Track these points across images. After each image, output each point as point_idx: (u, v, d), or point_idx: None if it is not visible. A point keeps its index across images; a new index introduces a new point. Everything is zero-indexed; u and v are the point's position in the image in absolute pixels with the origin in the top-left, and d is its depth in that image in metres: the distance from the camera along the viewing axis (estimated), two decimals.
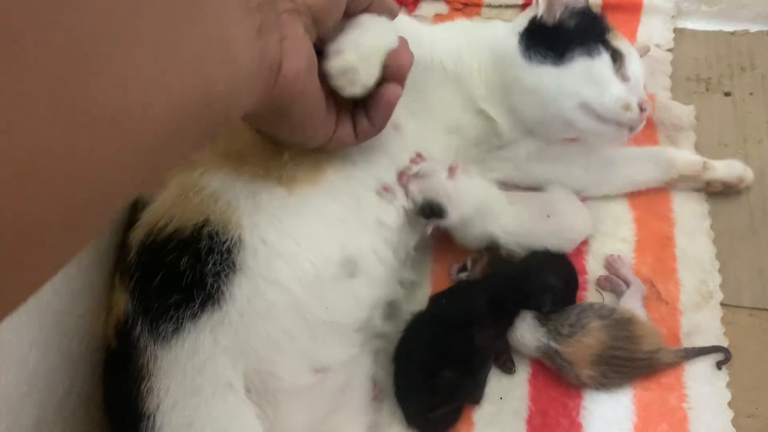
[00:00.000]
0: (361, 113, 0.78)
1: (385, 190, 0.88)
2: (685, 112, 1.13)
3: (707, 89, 1.19)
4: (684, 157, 1.05)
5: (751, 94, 1.17)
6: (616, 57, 0.93)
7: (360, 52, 0.70)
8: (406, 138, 0.93)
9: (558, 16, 0.96)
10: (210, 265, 0.75)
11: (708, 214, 1.06)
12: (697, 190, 1.05)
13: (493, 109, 0.99)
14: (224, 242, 0.76)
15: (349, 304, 0.83)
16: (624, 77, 0.93)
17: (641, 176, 1.05)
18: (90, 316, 0.80)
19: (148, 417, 0.72)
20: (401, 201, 0.90)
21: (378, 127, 0.79)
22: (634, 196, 1.08)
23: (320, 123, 0.73)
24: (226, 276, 0.75)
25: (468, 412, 0.92)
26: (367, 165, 0.88)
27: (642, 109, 0.92)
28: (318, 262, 0.80)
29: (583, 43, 0.92)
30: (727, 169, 1.04)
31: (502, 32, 0.99)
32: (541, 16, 0.96)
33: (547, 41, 0.93)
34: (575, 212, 1.00)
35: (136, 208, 0.83)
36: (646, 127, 1.11)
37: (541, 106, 0.95)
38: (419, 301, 0.98)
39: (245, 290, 0.76)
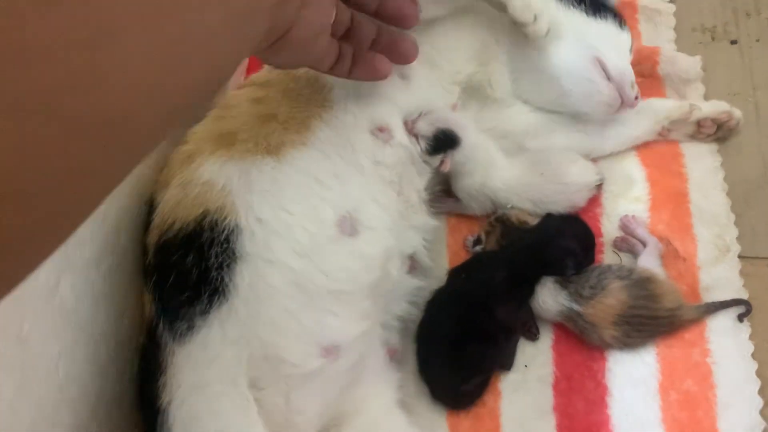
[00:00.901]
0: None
1: (380, 131, 0.88)
2: (691, 64, 1.12)
3: (713, 39, 1.17)
4: (670, 102, 1.06)
5: (757, 40, 1.15)
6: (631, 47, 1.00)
7: None
8: (412, 86, 0.93)
9: None
10: (212, 258, 0.76)
11: (720, 167, 1.05)
12: (692, 136, 1.05)
13: (504, 57, 1.01)
14: (222, 231, 0.76)
15: (355, 265, 0.82)
16: None
17: (635, 130, 1.05)
18: (114, 320, 0.80)
19: (164, 411, 0.74)
20: (399, 139, 0.89)
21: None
22: (645, 154, 1.07)
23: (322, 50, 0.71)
24: (228, 267, 0.76)
25: (494, 381, 0.93)
26: (361, 110, 0.88)
27: (636, 98, 0.97)
28: (312, 227, 0.79)
29: (615, 14, 1.00)
30: (712, 106, 1.05)
31: None
32: None
33: None
34: (573, 162, 1.00)
35: (150, 211, 0.83)
36: (652, 81, 1.12)
37: (557, 51, 0.97)
38: (440, 263, 1.00)
39: (246, 277, 0.76)
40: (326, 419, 0.82)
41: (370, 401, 0.85)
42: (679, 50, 1.16)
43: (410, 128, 0.91)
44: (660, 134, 1.05)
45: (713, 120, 1.04)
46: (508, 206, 0.98)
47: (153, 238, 0.80)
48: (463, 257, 1.00)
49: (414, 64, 0.86)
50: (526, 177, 0.98)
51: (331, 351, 0.80)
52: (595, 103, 0.98)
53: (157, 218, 0.81)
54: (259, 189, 0.79)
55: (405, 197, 0.90)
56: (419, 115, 0.92)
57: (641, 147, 1.07)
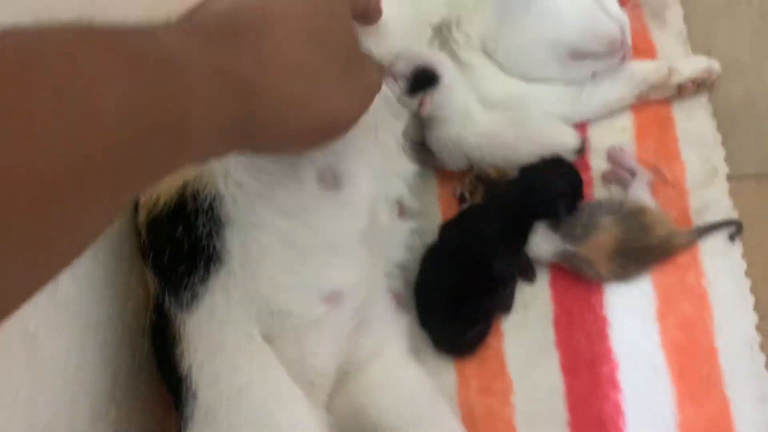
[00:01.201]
0: None
1: None
2: None
3: None
4: (648, 65, 1.03)
5: None
6: None
7: None
8: (387, 31, 0.89)
9: None
10: (200, 228, 0.76)
11: (707, 101, 1.05)
12: (672, 97, 1.03)
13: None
14: (205, 199, 0.77)
15: (341, 217, 0.82)
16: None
17: (614, 94, 1.03)
18: (118, 305, 0.81)
19: (186, 378, 0.76)
20: None
21: None
22: None
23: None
24: (217, 233, 0.76)
25: (496, 323, 0.95)
26: None
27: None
28: (292, 185, 0.79)
29: None
30: (692, 66, 1.02)
31: None
32: None
33: None
34: (552, 125, 0.99)
35: None
36: (630, 9, 1.10)
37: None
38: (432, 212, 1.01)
39: (237, 241, 0.77)
40: (342, 364, 0.84)
41: (383, 348, 0.87)
42: None
43: (387, 69, 0.89)
44: (639, 98, 1.03)
45: (693, 81, 1.01)
46: (483, 164, 0.97)
47: (142, 216, 0.80)
48: (454, 206, 1.01)
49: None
50: (502, 135, 0.96)
51: (332, 298, 0.81)
52: (600, 38, 0.97)
53: (143, 197, 0.81)
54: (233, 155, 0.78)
55: (383, 144, 0.89)
56: (396, 57, 0.90)
57: None
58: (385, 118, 0.90)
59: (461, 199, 0.99)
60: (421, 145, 1.00)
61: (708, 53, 1.06)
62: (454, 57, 1.01)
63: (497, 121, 0.98)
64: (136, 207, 0.83)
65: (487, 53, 1.03)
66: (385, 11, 0.88)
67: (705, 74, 1.01)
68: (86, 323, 0.75)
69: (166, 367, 0.79)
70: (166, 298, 0.77)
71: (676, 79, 1.01)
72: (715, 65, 1.02)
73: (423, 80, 0.91)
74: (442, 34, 1.02)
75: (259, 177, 0.78)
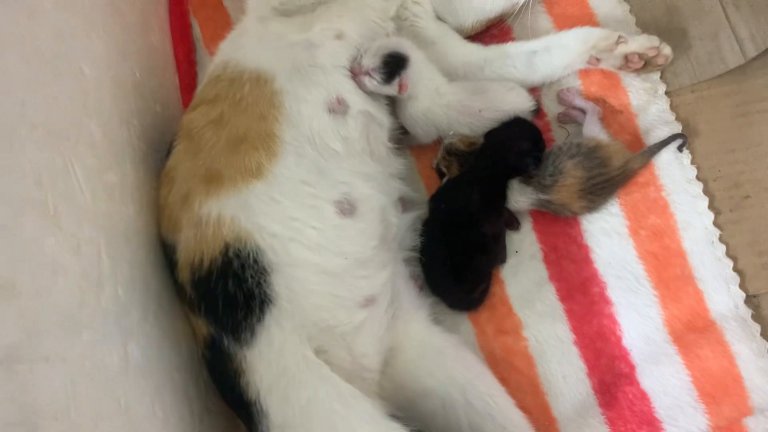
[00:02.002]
0: None
1: (338, 103, 0.96)
2: None
3: None
4: (597, 32, 1.09)
5: None
6: None
7: None
8: (348, 39, 1.01)
9: None
10: (249, 278, 0.88)
11: (630, 13, 1.14)
12: (620, 68, 1.09)
13: None
14: (248, 254, 0.88)
15: (363, 236, 0.95)
16: None
17: (564, 58, 1.10)
18: (176, 353, 0.95)
19: (255, 402, 0.89)
20: (355, 106, 0.97)
21: None
22: (559, 25, 1.15)
23: None
24: (265, 281, 0.88)
25: (496, 273, 1.09)
26: (311, 92, 0.95)
27: None
28: (317, 224, 0.91)
29: None
30: (641, 41, 1.07)
31: None
32: None
33: None
34: (510, 90, 1.08)
35: (170, 251, 0.94)
36: None
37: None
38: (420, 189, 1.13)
39: (282, 282, 0.89)
40: (384, 353, 0.98)
41: (412, 327, 1.01)
42: None
43: (358, 70, 0.98)
44: (589, 62, 1.09)
45: (640, 55, 1.06)
46: (450, 132, 1.08)
47: (186, 275, 0.91)
48: (434, 177, 1.12)
49: (344, 17, 0.95)
50: (466, 104, 1.06)
51: (368, 302, 0.95)
52: None
53: (182, 258, 0.91)
54: (261, 211, 0.89)
55: (378, 156, 1.00)
56: (359, 56, 0.99)
57: (557, 19, 1.15)
58: (373, 132, 1.01)
59: (439, 173, 1.10)
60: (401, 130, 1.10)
61: None
62: (415, 37, 1.10)
63: (460, 91, 1.08)
64: (171, 264, 0.94)
65: (441, 16, 1.13)
66: (346, 25, 0.98)
67: (652, 51, 1.06)
68: (156, 378, 0.88)
69: (230, 395, 0.92)
70: (224, 339, 0.89)
71: (623, 49, 1.07)
72: (666, 48, 1.07)
73: (395, 65, 1.00)
74: (399, 20, 1.11)
75: (288, 224, 0.90)
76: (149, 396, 0.86)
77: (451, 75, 1.09)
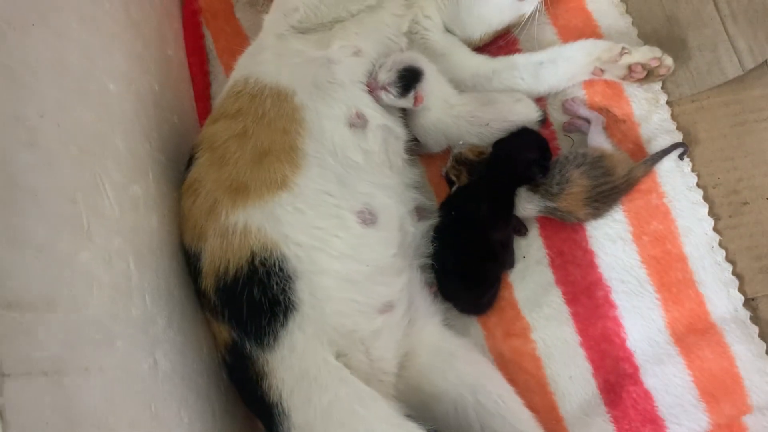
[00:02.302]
0: None
1: (357, 118, 1.00)
2: None
3: None
4: (602, 44, 1.13)
5: None
6: None
7: None
8: (366, 55, 1.05)
9: None
10: (275, 285, 0.91)
11: (632, 26, 1.18)
12: (624, 78, 1.12)
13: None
14: (274, 263, 0.92)
15: (381, 246, 0.99)
16: None
17: (569, 70, 1.14)
18: (199, 359, 0.98)
19: (277, 404, 0.93)
20: (374, 120, 1.02)
21: None
22: (563, 36, 1.19)
23: None
24: (289, 288, 0.92)
25: (504, 277, 1.12)
26: (332, 108, 0.99)
27: None
28: (341, 233, 0.95)
29: None
30: (643, 52, 1.11)
31: None
32: None
33: None
34: (517, 101, 1.12)
35: (193, 260, 0.98)
36: None
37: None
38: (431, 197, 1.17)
39: (306, 289, 0.92)
40: (401, 357, 1.01)
41: (426, 332, 1.05)
42: None
43: (375, 85, 1.02)
44: (593, 73, 1.13)
45: (643, 65, 1.10)
46: (460, 142, 1.11)
47: (210, 282, 0.95)
48: (443, 185, 1.16)
49: (361, 34, 1.01)
50: (475, 115, 1.10)
51: (386, 308, 0.99)
52: None
53: (207, 266, 0.95)
54: (286, 221, 0.93)
55: (396, 167, 1.04)
56: (375, 72, 1.02)
57: (561, 31, 1.19)
58: (391, 145, 1.05)
59: (449, 182, 1.14)
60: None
61: None
62: (426, 50, 1.14)
63: (469, 102, 1.12)
64: (195, 273, 0.98)
65: (450, 29, 1.17)
66: (363, 42, 1.02)
67: (655, 62, 1.10)
68: (185, 383, 0.92)
69: (251, 397, 0.96)
70: (246, 344, 0.92)
71: (626, 60, 1.10)
72: (668, 59, 1.10)
73: (410, 78, 1.03)
74: (410, 34, 1.15)
75: (312, 233, 0.94)
76: (176, 401, 0.89)
77: (461, 86, 1.13)
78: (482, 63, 1.16)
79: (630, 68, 1.11)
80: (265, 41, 1.06)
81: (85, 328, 0.73)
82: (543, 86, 1.16)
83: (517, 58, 1.16)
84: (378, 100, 1.02)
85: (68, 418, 0.67)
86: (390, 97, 1.03)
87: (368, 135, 1.00)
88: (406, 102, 1.05)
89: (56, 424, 0.65)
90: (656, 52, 1.11)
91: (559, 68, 1.14)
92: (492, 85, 1.15)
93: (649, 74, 1.11)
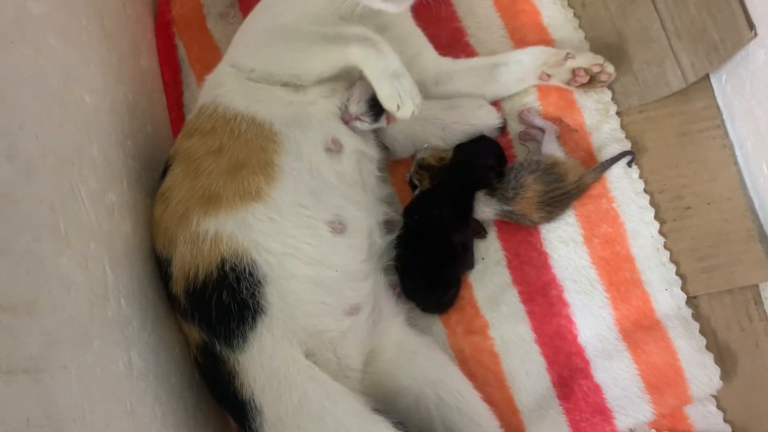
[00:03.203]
0: None
1: (333, 144, 1.05)
2: None
3: None
4: (548, 50, 1.20)
5: None
6: None
7: None
8: (340, 93, 1.09)
9: None
10: (244, 290, 0.96)
11: (585, 40, 1.25)
12: (568, 82, 1.20)
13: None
14: (244, 269, 0.96)
15: (352, 252, 1.05)
16: None
17: (519, 74, 1.21)
18: (171, 358, 1.03)
19: (249, 401, 0.98)
20: (349, 146, 1.07)
21: None
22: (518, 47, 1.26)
23: None
24: (258, 292, 0.97)
25: (464, 278, 1.19)
26: (308, 137, 1.04)
27: None
28: (312, 240, 1.00)
29: None
30: (587, 58, 1.18)
31: None
32: None
33: None
34: (479, 107, 1.19)
35: (164, 265, 1.02)
36: None
37: None
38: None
39: (275, 293, 0.98)
40: (366, 355, 1.08)
41: (390, 331, 1.11)
42: None
43: (349, 118, 1.07)
44: (541, 78, 1.20)
45: (586, 70, 1.17)
46: (424, 146, 1.18)
47: (180, 287, 0.99)
48: (407, 190, 1.22)
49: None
50: (439, 117, 1.16)
51: (353, 310, 1.04)
52: None
53: (177, 271, 0.99)
54: (258, 229, 0.98)
55: (368, 185, 1.11)
56: (345, 105, 1.07)
57: (518, 44, 1.26)
58: (364, 167, 1.11)
59: (412, 186, 1.20)
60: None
61: (582, 5, 1.26)
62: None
63: (434, 106, 1.18)
64: (165, 279, 1.02)
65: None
66: (335, 84, 1.09)
67: (596, 68, 1.17)
68: (157, 380, 0.96)
69: (224, 395, 1.01)
70: (216, 345, 0.97)
71: (571, 64, 1.18)
72: (610, 66, 1.18)
73: (379, 106, 1.06)
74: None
75: (284, 240, 0.99)
76: (150, 398, 0.94)
77: (425, 82, 1.20)
78: (444, 63, 1.22)
79: (574, 72, 1.18)
80: (227, 75, 1.08)
81: (64, 329, 0.78)
82: (497, 86, 1.23)
83: (475, 61, 1.24)
84: (354, 129, 1.08)
85: (48, 413, 0.71)
86: (364, 125, 1.08)
87: (343, 159, 1.06)
88: (379, 124, 1.11)
89: (37, 419, 0.69)
90: (598, 59, 1.18)
91: (511, 70, 1.22)
92: (453, 83, 1.22)
93: (592, 80, 1.19)
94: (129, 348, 0.91)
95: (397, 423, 0.98)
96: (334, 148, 1.05)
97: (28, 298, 0.73)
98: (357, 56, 1.02)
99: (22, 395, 0.68)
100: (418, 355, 1.11)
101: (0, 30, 0.79)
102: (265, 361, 0.97)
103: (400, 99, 1.01)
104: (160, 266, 1.04)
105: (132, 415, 0.88)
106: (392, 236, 1.15)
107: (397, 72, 1.01)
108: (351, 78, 1.08)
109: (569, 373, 1.14)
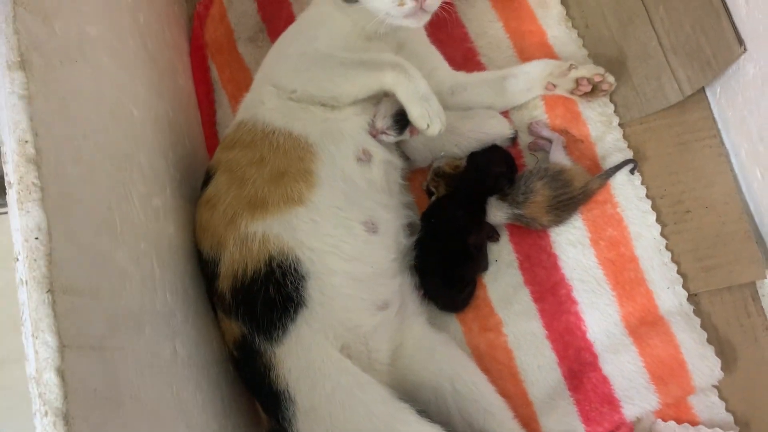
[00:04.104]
0: None
1: (363, 154, 1.16)
2: None
3: None
4: (553, 62, 1.31)
5: None
6: None
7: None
8: (369, 110, 1.19)
9: None
10: (289, 284, 1.05)
11: (588, 57, 1.35)
12: (572, 92, 1.30)
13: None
14: (290, 265, 1.06)
15: (383, 251, 1.15)
16: None
17: (527, 84, 1.31)
18: (211, 349, 1.11)
19: (283, 392, 1.06)
20: (377, 156, 1.17)
21: None
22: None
23: None
24: (302, 286, 1.06)
25: (479, 279, 1.27)
26: (340, 149, 1.14)
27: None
28: (350, 239, 1.10)
29: None
30: (589, 68, 1.28)
31: None
32: None
33: None
34: (491, 117, 1.29)
35: (211, 265, 1.11)
36: (517, 3, 1.37)
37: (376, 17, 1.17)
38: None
39: (316, 287, 1.07)
40: (393, 350, 1.16)
41: (413, 329, 1.19)
42: None
43: (376, 132, 1.18)
44: (547, 88, 1.30)
45: (588, 80, 1.27)
46: (441, 154, 1.28)
47: (227, 284, 1.08)
48: (424, 197, 1.31)
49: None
50: (455, 125, 1.25)
51: (384, 306, 1.14)
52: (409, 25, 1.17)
53: (225, 269, 1.08)
54: (302, 229, 1.07)
55: (393, 191, 1.21)
56: (373, 121, 1.18)
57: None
58: (391, 175, 1.21)
59: (429, 193, 1.29)
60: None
61: (585, 26, 1.36)
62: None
63: (451, 115, 1.25)
64: (210, 276, 1.11)
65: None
66: (365, 102, 1.19)
67: (598, 78, 1.27)
68: (199, 369, 1.05)
69: (258, 386, 1.09)
70: (255, 338, 1.06)
71: (574, 74, 1.28)
72: (610, 77, 1.28)
73: (403, 120, 1.17)
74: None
75: (324, 240, 1.09)
76: (192, 385, 1.02)
77: (442, 93, 1.28)
78: (459, 76, 1.33)
79: (577, 82, 1.28)
80: (268, 97, 1.18)
81: (122, 315, 0.87)
82: (506, 96, 1.33)
83: (487, 73, 1.35)
84: (381, 141, 1.18)
85: (111, 387, 0.80)
86: (390, 138, 1.19)
87: (373, 168, 1.17)
88: (404, 137, 1.21)
89: (102, 391, 0.78)
90: (599, 69, 1.29)
91: (519, 81, 1.32)
92: (467, 93, 1.32)
93: (594, 89, 1.28)
94: (174, 338, 1.00)
95: (421, 411, 1.05)
96: (365, 158, 1.16)
97: (92, 284, 0.82)
98: (391, 82, 1.12)
99: (91, 368, 0.77)
100: (436, 351, 1.19)
101: (67, 50, 0.89)
102: (302, 353, 1.06)
103: (430, 119, 1.12)
104: (205, 266, 1.13)
105: (178, 398, 0.96)
106: (414, 238, 1.24)
107: (426, 95, 1.12)
108: (377, 96, 1.18)
109: (579, 367, 1.21)
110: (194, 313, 1.09)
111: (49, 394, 0.71)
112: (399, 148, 1.27)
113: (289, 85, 1.16)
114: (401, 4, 1.11)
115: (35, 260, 0.74)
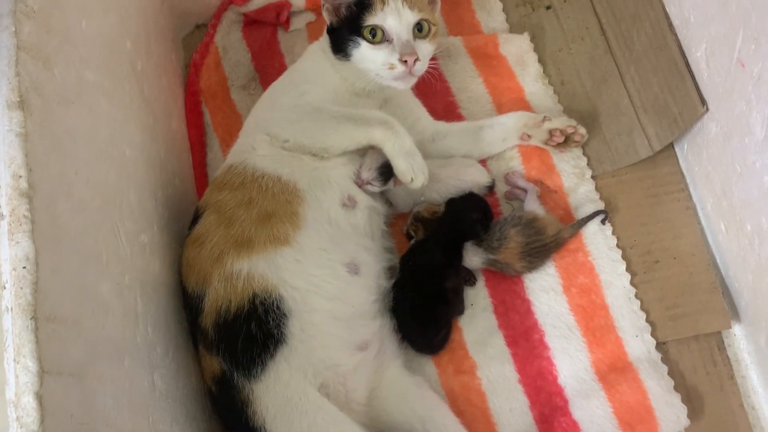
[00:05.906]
0: None
1: (348, 200, 1.21)
2: (523, 42, 1.45)
3: (533, 9, 1.50)
4: (527, 114, 1.38)
5: (565, 1, 1.48)
6: (375, 31, 1.21)
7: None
8: (355, 160, 1.25)
9: (332, 18, 1.26)
10: (271, 321, 1.09)
11: (563, 113, 1.41)
12: (546, 142, 1.36)
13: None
14: (272, 302, 1.09)
15: (364, 292, 1.19)
16: (387, 39, 1.21)
17: (503, 134, 1.38)
18: (189, 383, 1.14)
19: (260, 429, 1.08)
20: (362, 203, 1.23)
21: None
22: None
23: None
24: (283, 323, 1.09)
25: (455, 322, 1.30)
26: (327, 195, 1.20)
27: (404, 61, 1.19)
28: (332, 279, 1.14)
29: (351, 37, 1.23)
30: (561, 121, 1.36)
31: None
32: (330, 23, 1.28)
33: (338, 43, 1.26)
34: (469, 165, 1.36)
35: (196, 301, 1.14)
36: (498, 60, 1.45)
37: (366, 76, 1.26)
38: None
39: (297, 325, 1.10)
40: (371, 389, 1.19)
41: (389, 371, 1.22)
42: (510, 26, 1.49)
43: (361, 183, 1.23)
44: (522, 138, 1.37)
45: (561, 131, 1.34)
46: (421, 199, 1.33)
47: (210, 320, 1.11)
48: (404, 241, 1.36)
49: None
50: (435, 172, 1.29)
51: (363, 346, 1.17)
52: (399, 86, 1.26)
53: (209, 305, 1.11)
54: (286, 269, 1.11)
55: (376, 236, 1.26)
56: (359, 172, 1.24)
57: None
58: (374, 221, 1.26)
59: (409, 237, 1.34)
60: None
61: (561, 83, 1.43)
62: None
63: (430, 163, 1.31)
64: (193, 311, 1.14)
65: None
66: (352, 153, 1.25)
67: (570, 129, 1.34)
68: (175, 403, 1.08)
69: (236, 422, 1.10)
70: (234, 374, 1.08)
71: (548, 125, 1.35)
72: (582, 129, 1.35)
73: (387, 171, 1.23)
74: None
75: (308, 279, 1.13)
76: (169, 418, 1.05)
77: (424, 140, 1.35)
78: (440, 125, 1.40)
79: (551, 132, 1.34)
80: (261, 144, 1.23)
81: (102, 345, 0.90)
82: (483, 145, 1.39)
83: (466, 123, 1.41)
84: (366, 191, 1.24)
85: (88, 413, 0.83)
86: (375, 189, 1.25)
87: (357, 213, 1.23)
88: (387, 187, 1.27)
89: (78, 416, 0.81)
90: (572, 121, 1.35)
91: (495, 131, 1.38)
92: (446, 141, 1.39)
93: (567, 140, 1.35)
94: (153, 370, 1.03)
95: None
96: (349, 204, 1.22)
97: (75, 313, 0.85)
98: (380, 137, 1.19)
99: (69, 394, 0.80)
100: (409, 393, 1.21)
101: (63, 93, 0.94)
102: (279, 390, 1.09)
103: (414, 173, 1.18)
104: (190, 302, 1.16)
105: (154, 429, 0.99)
106: (393, 281, 1.28)
107: (411, 151, 1.20)
108: (363, 148, 1.24)
109: (550, 411, 1.24)
110: (175, 348, 1.13)
111: (26, 418, 0.74)
112: (383, 194, 1.32)
113: (282, 135, 1.22)
114: (391, 68, 1.20)
115: (21, 288, 0.78)
